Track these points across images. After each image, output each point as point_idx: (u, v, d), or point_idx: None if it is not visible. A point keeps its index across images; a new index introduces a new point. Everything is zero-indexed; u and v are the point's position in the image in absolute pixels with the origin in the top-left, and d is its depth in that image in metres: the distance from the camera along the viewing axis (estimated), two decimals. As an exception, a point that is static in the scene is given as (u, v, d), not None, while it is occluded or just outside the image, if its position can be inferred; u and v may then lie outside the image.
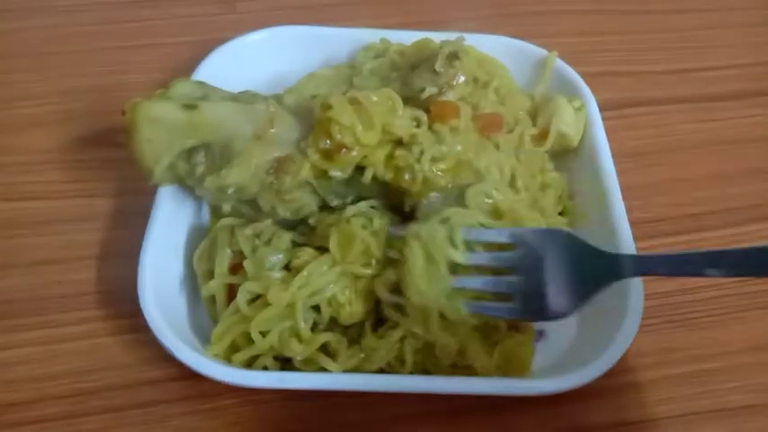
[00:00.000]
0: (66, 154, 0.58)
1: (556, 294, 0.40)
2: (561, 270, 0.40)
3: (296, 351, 0.42)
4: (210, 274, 0.46)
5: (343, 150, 0.43)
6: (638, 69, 0.70)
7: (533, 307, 0.41)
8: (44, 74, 0.65)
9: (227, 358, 0.43)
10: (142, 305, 0.43)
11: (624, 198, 0.50)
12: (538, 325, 0.47)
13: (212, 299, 0.46)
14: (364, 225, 0.44)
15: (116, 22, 0.71)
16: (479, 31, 0.61)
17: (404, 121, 0.45)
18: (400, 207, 0.46)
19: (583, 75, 0.59)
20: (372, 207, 0.46)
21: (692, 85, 0.69)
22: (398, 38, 0.60)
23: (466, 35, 0.58)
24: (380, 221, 0.44)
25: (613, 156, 0.53)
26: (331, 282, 0.42)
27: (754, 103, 0.67)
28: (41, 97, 0.63)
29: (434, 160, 0.44)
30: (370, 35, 0.61)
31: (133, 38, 0.70)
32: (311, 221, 0.46)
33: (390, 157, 0.45)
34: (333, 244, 0.43)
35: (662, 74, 0.70)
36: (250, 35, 0.61)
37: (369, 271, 0.43)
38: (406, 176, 0.44)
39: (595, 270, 0.40)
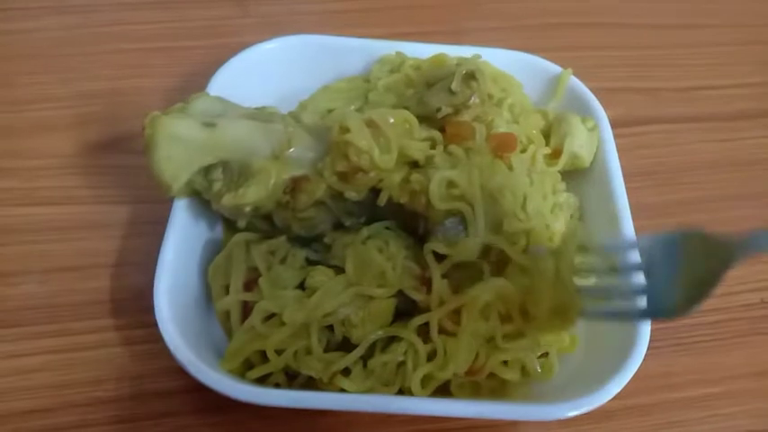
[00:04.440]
0: (83, 159, 0.59)
1: (673, 292, 0.38)
2: (678, 269, 0.38)
3: (315, 369, 0.43)
4: (225, 289, 0.46)
5: (360, 173, 0.44)
6: (652, 86, 0.70)
7: (654, 307, 0.39)
8: (60, 76, 0.65)
9: (241, 374, 0.44)
10: (158, 319, 0.43)
11: (633, 218, 0.50)
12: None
13: (226, 314, 0.46)
14: (380, 248, 0.45)
15: (131, 24, 0.71)
16: (492, 43, 0.61)
17: (420, 143, 0.45)
18: (414, 229, 0.46)
19: (595, 90, 0.60)
20: (387, 228, 0.47)
21: (705, 103, 0.69)
22: (414, 50, 0.60)
23: (480, 49, 0.59)
24: (396, 244, 0.45)
25: (624, 174, 0.54)
26: (345, 303, 0.43)
27: (766, 124, 0.68)
28: (58, 100, 0.63)
29: (450, 185, 0.45)
30: (385, 47, 0.61)
31: (148, 40, 0.70)
32: (326, 240, 0.47)
33: (406, 180, 0.45)
34: (349, 266, 0.44)
35: (675, 91, 0.70)
36: (264, 44, 0.61)
37: (385, 292, 0.44)
38: (422, 200, 0.44)
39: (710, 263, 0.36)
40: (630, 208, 0.51)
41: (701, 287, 0.36)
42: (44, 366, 0.47)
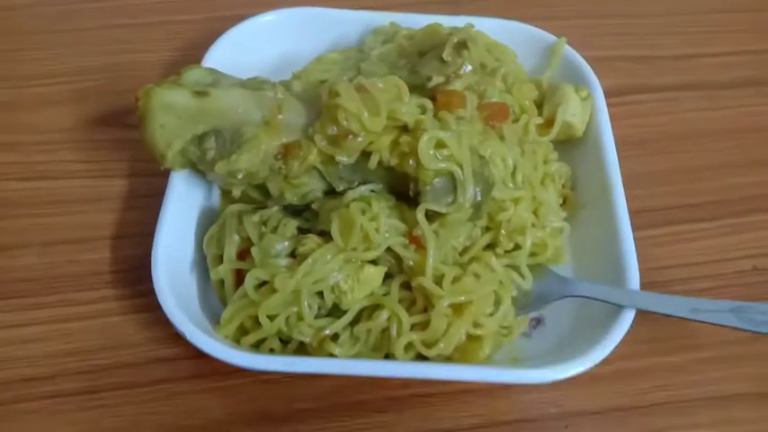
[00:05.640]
0: (80, 134, 0.59)
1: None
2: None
3: (305, 334, 0.44)
4: (219, 258, 0.47)
5: (350, 136, 0.44)
6: (646, 54, 0.70)
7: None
8: (56, 51, 0.66)
9: (236, 340, 0.45)
10: (155, 288, 0.44)
11: (626, 187, 0.51)
12: (536, 313, 0.49)
13: (221, 282, 0.47)
14: (363, 209, 0.45)
15: (126, -1, 0.71)
16: (487, 12, 0.61)
17: (409, 107, 0.46)
18: (405, 191, 0.47)
19: (589, 59, 0.60)
20: (372, 191, 0.47)
21: (700, 71, 0.69)
22: (408, 21, 0.59)
23: (475, 19, 0.58)
24: (378, 205, 0.45)
25: (617, 143, 0.54)
26: (334, 270, 0.44)
27: (762, 92, 0.67)
28: (54, 76, 0.64)
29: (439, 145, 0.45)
30: (379, 17, 0.61)
31: (144, 15, 0.70)
32: (314, 206, 0.47)
33: (396, 142, 0.45)
34: (335, 230, 0.44)
35: (669, 59, 0.70)
36: (260, 16, 0.61)
37: (372, 254, 0.44)
38: (411, 162, 0.44)
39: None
40: (624, 177, 0.51)
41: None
42: (44, 336, 0.48)
